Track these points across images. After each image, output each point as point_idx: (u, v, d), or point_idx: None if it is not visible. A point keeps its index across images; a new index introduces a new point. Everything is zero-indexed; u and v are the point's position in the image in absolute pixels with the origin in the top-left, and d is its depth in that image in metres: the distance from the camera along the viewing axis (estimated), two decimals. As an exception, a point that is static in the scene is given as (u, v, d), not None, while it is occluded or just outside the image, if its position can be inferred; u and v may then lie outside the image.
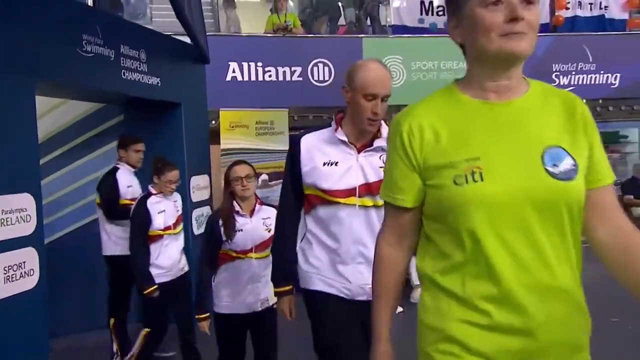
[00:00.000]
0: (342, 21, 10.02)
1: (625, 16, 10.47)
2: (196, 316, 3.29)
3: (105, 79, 4.13)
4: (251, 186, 3.17)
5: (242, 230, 3.16)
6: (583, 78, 9.51)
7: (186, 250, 4.11)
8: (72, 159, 5.32)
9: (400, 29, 9.73)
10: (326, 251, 2.31)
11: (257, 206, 3.22)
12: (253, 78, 8.04)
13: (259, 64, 8.05)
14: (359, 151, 2.29)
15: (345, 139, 2.29)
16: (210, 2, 8.83)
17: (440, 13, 10.02)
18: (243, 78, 8.00)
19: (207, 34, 7.22)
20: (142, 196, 3.88)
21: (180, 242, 3.97)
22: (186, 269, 4.04)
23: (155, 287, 3.72)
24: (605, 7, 10.39)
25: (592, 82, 9.53)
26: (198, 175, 5.34)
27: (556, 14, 10.21)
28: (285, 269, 2.48)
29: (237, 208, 3.17)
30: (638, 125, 10.94)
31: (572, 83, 9.47)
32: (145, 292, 3.69)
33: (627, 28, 10.40)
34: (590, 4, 10.39)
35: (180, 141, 5.22)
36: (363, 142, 2.30)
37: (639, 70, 9.59)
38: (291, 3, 10.22)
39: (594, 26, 10.30)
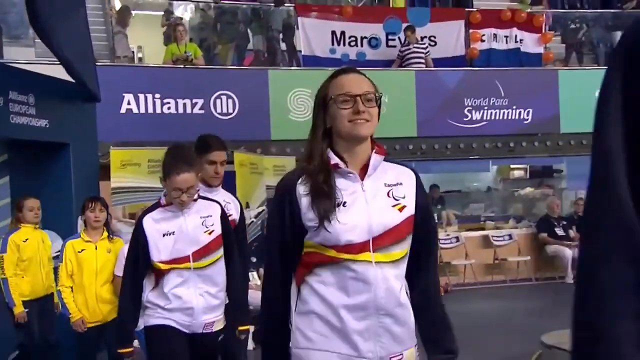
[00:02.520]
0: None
1: (541, 50, 12.12)
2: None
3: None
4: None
5: None
6: (495, 113, 10.94)
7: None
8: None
9: (311, 59, 10.87)
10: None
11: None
12: (150, 110, 8.88)
13: (157, 95, 8.95)
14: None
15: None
16: (105, 28, 9.66)
17: (353, 44, 11.31)
18: (139, 110, 8.83)
19: (102, 63, 8.11)
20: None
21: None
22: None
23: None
24: (521, 40, 11.99)
25: (505, 117, 10.99)
26: (87, 214, 6.15)
27: (471, 46, 11.75)
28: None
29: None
30: (552, 161, 12.57)
31: (484, 118, 10.88)
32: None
33: (542, 62, 12.07)
34: (506, 36, 11.96)
35: (69, 180, 6.03)
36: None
37: (551, 105, 11.19)
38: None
39: (510, 59, 11.88)
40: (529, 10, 12.23)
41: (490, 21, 11.85)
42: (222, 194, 3.89)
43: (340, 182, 2.02)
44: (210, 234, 3.31)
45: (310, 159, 2.05)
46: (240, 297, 3.59)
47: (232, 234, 3.49)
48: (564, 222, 10.72)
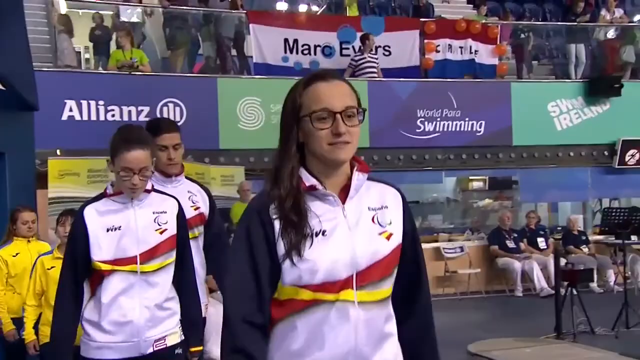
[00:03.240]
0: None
1: (495, 62, 12.59)
2: None
3: None
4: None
5: None
6: (448, 125, 11.34)
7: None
8: None
9: (262, 67, 11.13)
10: None
11: None
12: (93, 117, 9.03)
13: (101, 102, 9.10)
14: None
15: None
16: (48, 30, 9.78)
17: (306, 52, 11.60)
18: (82, 117, 8.97)
19: (43, 69, 8.22)
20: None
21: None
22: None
23: None
24: (476, 51, 12.42)
25: (457, 129, 11.41)
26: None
27: (426, 56, 12.15)
28: None
29: None
30: (506, 173, 13.05)
31: (437, 130, 11.27)
32: None
33: (496, 73, 12.55)
34: (461, 47, 12.40)
35: (4, 189, 6.15)
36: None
37: (504, 117, 11.65)
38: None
39: (465, 70, 12.32)
40: (483, 21, 12.68)
41: (446, 32, 12.25)
42: (186, 185, 3.55)
43: (317, 207, 1.77)
44: (162, 233, 2.91)
45: (277, 182, 1.77)
46: (192, 313, 3.08)
47: (187, 237, 3.08)
48: (515, 235, 11.15)
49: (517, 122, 11.52)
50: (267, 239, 1.76)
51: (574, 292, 6.90)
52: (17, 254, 5.07)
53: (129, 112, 9.27)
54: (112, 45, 10.16)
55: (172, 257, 2.96)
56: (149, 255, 2.88)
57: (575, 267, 7.75)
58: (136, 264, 2.86)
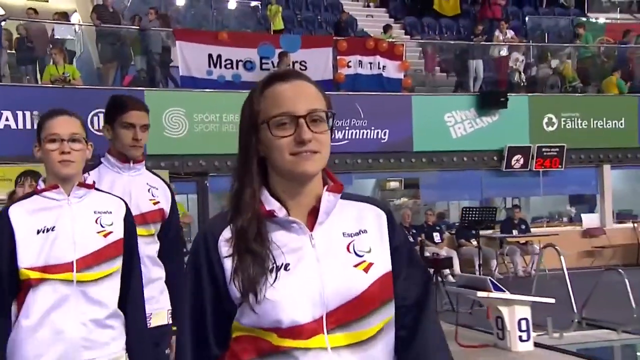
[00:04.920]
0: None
1: (401, 76, 13.76)
2: None
3: None
4: None
5: None
6: (356, 133, 12.42)
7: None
8: None
9: (188, 80, 12.00)
10: None
11: None
12: (28, 126, 9.79)
13: (35, 112, 9.85)
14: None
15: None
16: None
17: (229, 66, 12.51)
18: (17, 126, 9.74)
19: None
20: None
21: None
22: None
23: None
24: (383, 67, 13.57)
25: (364, 136, 12.52)
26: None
27: (339, 71, 13.21)
28: None
29: None
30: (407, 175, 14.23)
31: (346, 137, 12.33)
32: None
33: (401, 86, 13.71)
34: (370, 63, 13.52)
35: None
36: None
37: (406, 127, 12.79)
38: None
39: (374, 84, 13.43)
40: (390, 40, 13.83)
41: (357, 49, 13.31)
42: (145, 176, 3.07)
43: (280, 236, 1.46)
44: (106, 236, 2.41)
45: (240, 210, 1.47)
46: (139, 330, 2.51)
47: (136, 244, 2.56)
48: (414, 231, 12.29)
49: (417, 130, 12.62)
50: (215, 282, 1.46)
51: (439, 278, 8.04)
52: None
53: (62, 121, 10.02)
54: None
55: (117, 264, 2.43)
56: (89, 261, 2.36)
57: (439, 256, 8.92)
58: (72, 271, 2.33)
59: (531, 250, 12.02)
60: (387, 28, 14.36)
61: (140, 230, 2.77)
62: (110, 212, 2.47)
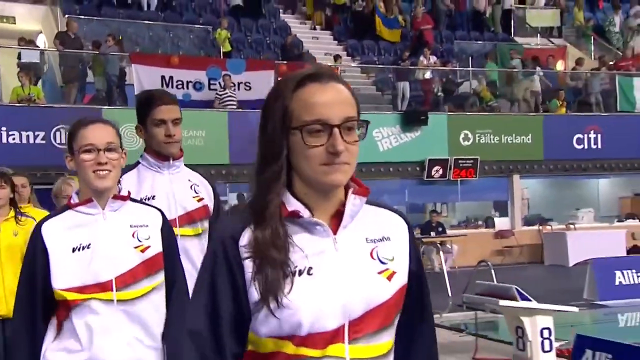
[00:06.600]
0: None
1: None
2: None
3: None
4: None
5: None
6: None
7: None
8: None
9: (143, 99, 13.16)
10: None
11: None
12: (-6, 140, 10.93)
13: (3, 128, 10.96)
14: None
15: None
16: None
17: (180, 86, 13.69)
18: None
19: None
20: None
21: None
22: None
23: None
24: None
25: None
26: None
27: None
28: None
29: None
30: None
31: (284, 150, 13.63)
32: None
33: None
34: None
35: None
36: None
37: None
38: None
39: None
40: (329, 64, 15.19)
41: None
42: (186, 172, 2.90)
43: (302, 238, 1.39)
44: (143, 251, 2.29)
45: (264, 219, 1.38)
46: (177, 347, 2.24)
47: (176, 252, 2.43)
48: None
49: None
50: (234, 284, 1.39)
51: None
52: None
53: (27, 136, 11.15)
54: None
55: (158, 280, 2.31)
56: (127, 279, 2.24)
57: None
58: (111, 290, 2.22)
59: (445, 249, 13.42)
60: (337, 57, 15.69)
61: (187, 230, 2.72)
62: (147, 226, 2.34)
